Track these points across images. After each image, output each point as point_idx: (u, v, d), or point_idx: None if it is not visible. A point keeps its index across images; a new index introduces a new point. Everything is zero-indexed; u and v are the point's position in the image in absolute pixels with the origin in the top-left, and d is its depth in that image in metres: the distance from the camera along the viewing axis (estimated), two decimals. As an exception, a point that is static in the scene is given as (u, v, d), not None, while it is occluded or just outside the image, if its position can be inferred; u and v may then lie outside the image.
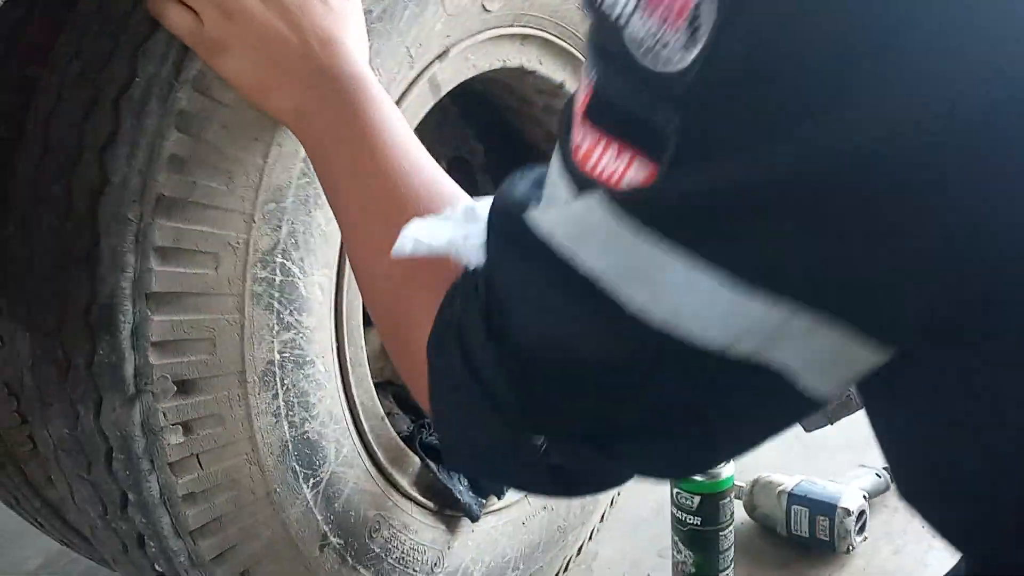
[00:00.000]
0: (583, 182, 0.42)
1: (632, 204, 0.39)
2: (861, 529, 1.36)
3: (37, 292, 0.74)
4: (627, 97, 0.39)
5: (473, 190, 1.17)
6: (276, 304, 0.78)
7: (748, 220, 0.38)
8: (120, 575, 0.94)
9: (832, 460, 1.66)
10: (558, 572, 1.28)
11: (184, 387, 0.74)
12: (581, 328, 0.42)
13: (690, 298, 0.39)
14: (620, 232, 0.39)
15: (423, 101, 0.91)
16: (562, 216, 0.43)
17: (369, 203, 0.61)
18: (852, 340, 0.39)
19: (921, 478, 0.52)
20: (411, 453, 1.02)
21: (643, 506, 1.55)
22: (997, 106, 0.34)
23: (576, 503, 1.27)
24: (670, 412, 0.44)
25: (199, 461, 0.76)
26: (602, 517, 1.39)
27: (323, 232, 0.82)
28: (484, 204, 0.51)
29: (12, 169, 0.76)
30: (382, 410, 0.96)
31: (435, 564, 1.03)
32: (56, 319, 0.73)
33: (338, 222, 0.66)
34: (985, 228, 0.36)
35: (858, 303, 0.38)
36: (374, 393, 0.95)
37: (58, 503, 0.99)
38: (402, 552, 0.98)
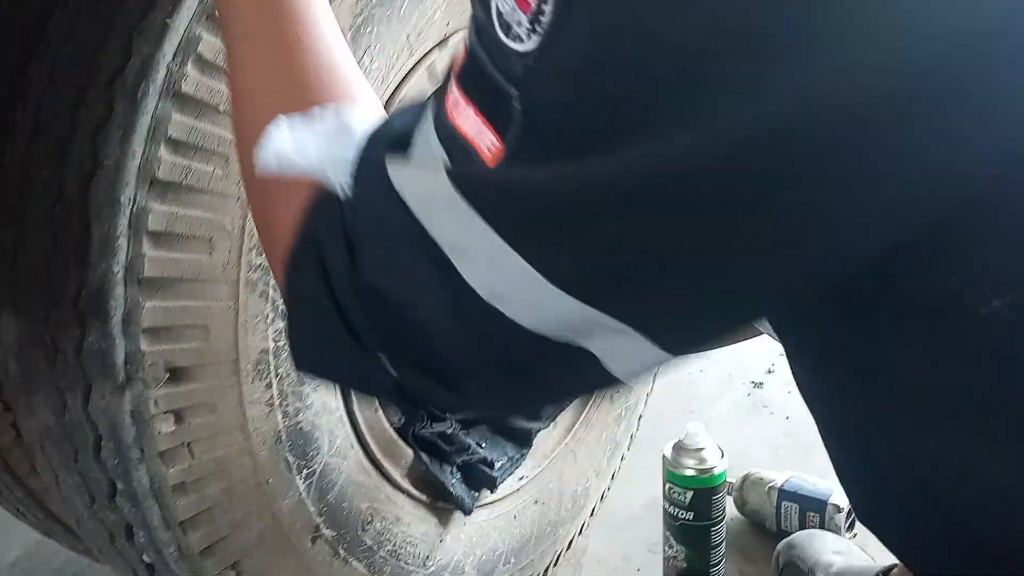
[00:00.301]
0: (450, 138, 0.43)
1: (470, 184, 0.41)
2: (851, 526, 1.36)
3: (26, 278, 0.72)
4: (488, 66, 0.40)
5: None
6: (271, 291, 0.77)
7: (564, 227, 0.39)
8: (107, 567, 0.92)
9: (823, 458, 1.65)
10: (548, 566, 1.28)
11: (176, 375, 0.73)
12: (423, 283, 0.44)
13: (511, 285, 0.41)
14: (458, 208, 0.41)
15: (421, 89, 0.90)
16: (417, 176, 0.44)
17: (271, 71, 0.55)
18: (650, 345, 0.41)
19: (872, 496, 0.55)
20: (403, 445, 1.01)
21: (634, 502, 1.55)
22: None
23: (568, 498, 1.27)
24: (499, 367, 0.46)
25: (190, 450, 0.75)
26: (592, 511, 1.38)
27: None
28: (361, 119, 0.50)
29: (1, 155, 0.75)
30: (375, 401, 0.95)
31: (427, 557, 1.02)
32: (45, 305, 0.71)
33: (231, 81, 0.59)
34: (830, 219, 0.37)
35: (656, 317, 0.41)
36: (367, 384, 0.94)
37: (41, 493, 0.97)
38: (394, 545, 0.97)
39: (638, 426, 1.49)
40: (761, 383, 1.90)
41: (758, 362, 1.93)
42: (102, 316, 0.69)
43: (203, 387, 0.74)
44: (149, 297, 0.70)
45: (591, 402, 1.31)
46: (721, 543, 1.25)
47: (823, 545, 1.25)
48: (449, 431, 1.11)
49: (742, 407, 1.89)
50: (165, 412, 0.73)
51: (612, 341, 0.41)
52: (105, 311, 0.69)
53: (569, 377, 0.46)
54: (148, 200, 0.69)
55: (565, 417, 1.27)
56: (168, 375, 0.72)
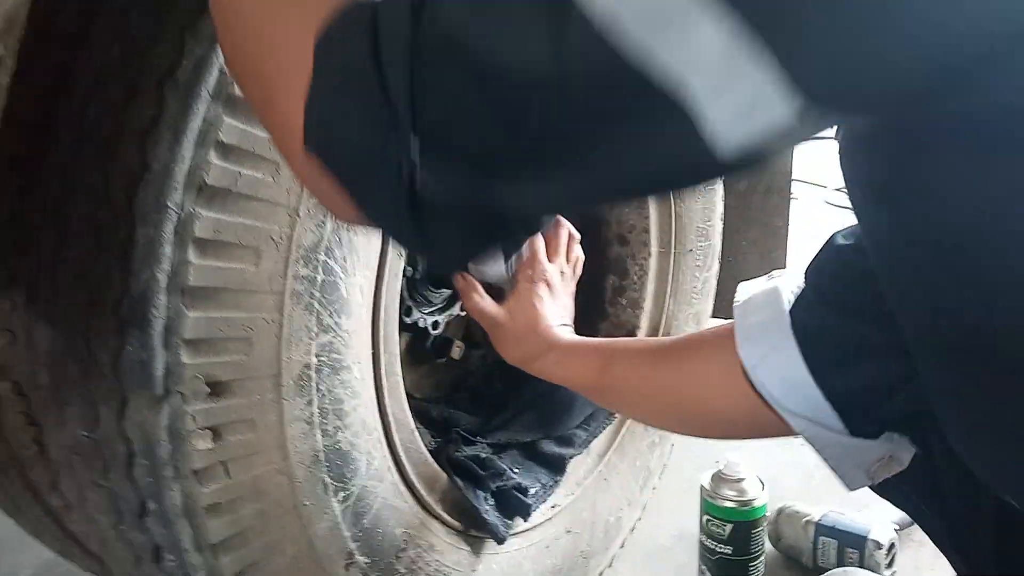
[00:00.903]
0: None
1: None
2: (891, 563, 1.32)
3: (64, 283, 0.69)
4: None
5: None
6: (316, 305, 0.74)
7: None
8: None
9: (858, 491, 1.61)
10: (578, 599, 1.23)
11: (216, 389, 0.69)
12: (517, 23, 0.38)
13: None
14: None
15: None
16: None
17: None
18: (781, 91, 0.34)
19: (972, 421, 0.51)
20: (438, 469, 0.97)
21: (662, 533, 1.50)
22: None
23: (600, 528, 1.23)
24: (563, 141, 0.40)
25: (226, 469, 0.71)
26: (622, 544, 1.34)
27: (368, 232, 0.78)
28: None
29: (42, 157, 0.72)
30: (412, 422, 0.92)
31: (460, 587, 0.98)
32: (83, 312, 0.68)
33: None
34: None
35: (808, 46, 0.34)
36: (406, 404, 0.90)
37: (61, 511, 0.93)
38: (426, 574, 0.93)
39: (670, 453, 1.45)
40: (791, 413, 1.85)
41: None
42: (143, 325, 0.66)
43: (243, 403, 0.71)
44: (192, 307, 0.67)
45: (624, 428, 1.27)
46: (759, 578, 1.21)
47: (862, 584, 1.20)
48: (483, 455, 1.07)
49: (770, 438, 1.84)
50: (203, 428, 0.69)
51: (731, 78, 0.35)
52: (146, 320, 0.66)
53: (646, 150, 0.40)
54: (196, 206, 0.66)
55: (598, 443, 1.23)
56: (208, 389, 0.69)
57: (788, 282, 0.71)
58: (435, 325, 1.14)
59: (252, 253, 0.69)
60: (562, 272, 1.07)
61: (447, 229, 0.45)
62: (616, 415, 1.24)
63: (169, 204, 0.65)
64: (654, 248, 1.29)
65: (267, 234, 0.69)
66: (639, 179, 0.42)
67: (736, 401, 0.73)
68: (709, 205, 1.33)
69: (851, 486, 0.72)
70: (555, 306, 1.04)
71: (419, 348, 1.25)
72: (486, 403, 1.29)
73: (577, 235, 1.11)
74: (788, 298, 0.69)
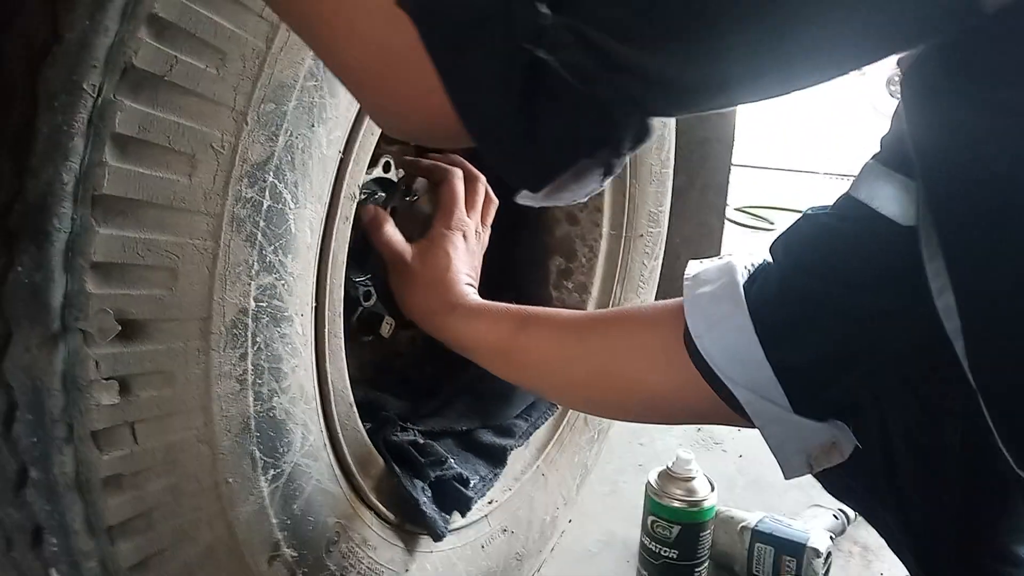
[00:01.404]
0: None
1: None
2: (827, 573, 1.27)
3: (-68, 181, 0.53)
4: None
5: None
6: (260, 236, 0.60)
7: None
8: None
9: (780, 497, 1.58)
10: (507, 606, 1.12)
11: (128, 330, 0.55)
12: None
13: None
14: None
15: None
16: None
17: None
18: None
19: None
20: (374, 452, 0.85)
21: (587, 538, 1.41)
22: None
23: (536, 528, 1.12)
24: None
25: (133, 432, 0.57)
26: (552, 548, 1.24)
27: (322, 156, 0.65)
28: None
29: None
30: (351, 396, 0.79)
31: (392, 588, 0.85)
32: (-44, 221, 0.53)
33: None
34: None
35: None
36: (346, 373, 0.78)
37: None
38: (359, 572, 0.80)
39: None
40: (712, 419, 1.80)
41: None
42: (38, 240, 0.51)
43: (161, 350, 0.57)
44: (104, 222, 0.53)
45: (564, 420, 1.17)
46: (702, 586, 1.13)
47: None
48: (421, 441, 0.95)
49: (693, 443, 1.79)
50: (108, 378, 0.55)
51: None
52: (44, 234, 0.51)
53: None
54: (118, 93, 0.52)
55: (538, 436, 1.13)
56: (119, 329, 0.54)
57: (743, 258, 0.68)
58: (367, 296, 1.01)
59: (186, 161, 0.55)
60: (476, 232, 1.00)
61: (559, 120, 0.39)
62: (556, 407, 1.15)
63: (84, 86, 0.51)
64: (605, 229, 1.20)
65: (206, 139, 0.56)
66: (847, 38, 0.37)
67: (671, 375, 0.69)
68: (661, 190, 1.26)
69: (790, 473, 0.68)
70: (467, 261, 0.96)
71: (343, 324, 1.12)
72: (415, 388, 1.17)
73: (494, 198, 1.04)
74: (742, 271, 0.66)
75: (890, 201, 0.60)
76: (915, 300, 0.55)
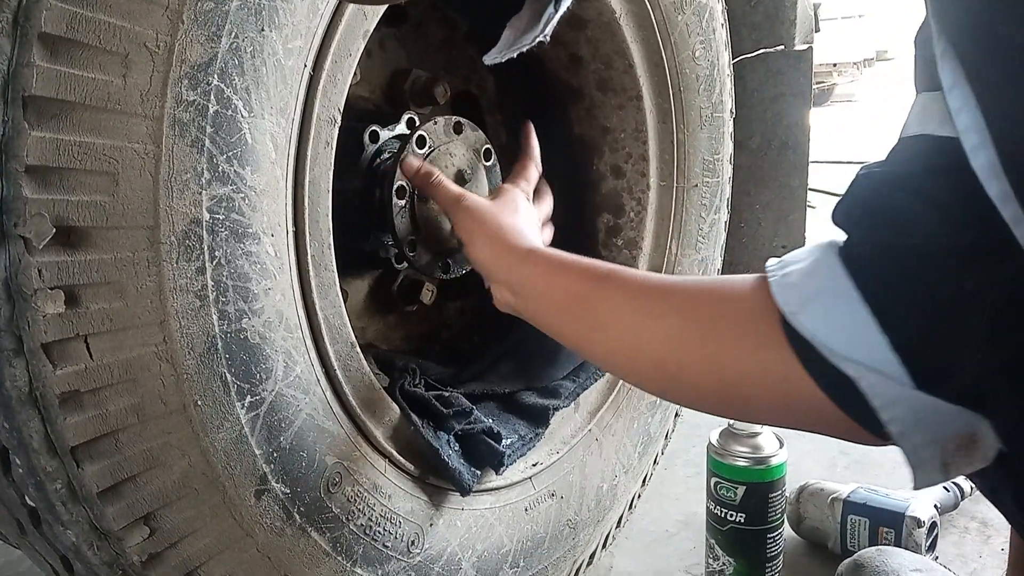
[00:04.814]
0: None
1: None
2: (932, 546, 1.13)
3: None
4: None
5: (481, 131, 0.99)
6: (207, 142, 0.58)
7: None
8: None
9: (887, 475, 1.43)
10: (565, 580, 1.05)
11: (70, 238, 0.54)
12: None
13: None
14: None
15: None
16: None
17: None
18: None
19: None
20: (389, 400, 0.81)
21: (667, 517, 1.33)
22: None
23: (591, 496, 1.05)
24: None
25: (87, 347, 0.56)
26: (619, 521, 1.16)
27: (280, 66, 0.63)
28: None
29: None
30: (353, 336, 0.76)
31: (412, 542, 0.80)
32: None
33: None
34: None
35: None
36: (344, 312, 0.74)
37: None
38: (369, 519, 0.76)
39: (675, 425, 1.27)
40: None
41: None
42: (-32, 142, 0.51)
43: (107, 259, 0.55)
44: (37, 124, 0.52)
45: (619, 383, 1.10)
46: (778, 555, 1.02)
47: (900, 563, 1.02)
48: (446, 393, 0.91)
49: (790, 423, 1.66)
50: (52, 288, 0.54)
51: None
52: (-28, 135, 0.51)
53: None
54: (41, -9, 0.51)
55: (589, 399, 1.07)
56: (58, 234, 0.53)
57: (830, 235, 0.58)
58: (399, 259, 0.98)
59: (118, 61, 0.54)
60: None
61: None
62: (610, 368, 1.07)
63: (5, -17, 0.51)
64: (653, 180, 1.13)
65: (139, 39, 0.55)
66: None
67: (759, 355, 0.58)
68: (716, 136, 1.18)
69: (921, 475, 0.54)
70: (535, 219, 0.90)
71: (385, 293, 1.10)
72: (460, 355, 1.13)
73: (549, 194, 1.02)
74: (832, 248, 0.56)
75: (942, 120, 0.51)
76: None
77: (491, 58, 0.76)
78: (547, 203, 1.00)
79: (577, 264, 0.76)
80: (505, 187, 0.92)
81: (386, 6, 0.80)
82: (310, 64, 0.66)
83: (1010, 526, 0.65)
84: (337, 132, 0.71)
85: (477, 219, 0.85)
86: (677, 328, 0.65)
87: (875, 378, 0.51)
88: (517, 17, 0.76)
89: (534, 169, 0.98)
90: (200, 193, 0.58)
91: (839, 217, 0.56)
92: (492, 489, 0.91)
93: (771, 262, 0.60)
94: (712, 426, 1.07)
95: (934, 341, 0.52)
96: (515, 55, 0.77)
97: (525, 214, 0.89)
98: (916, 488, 0.56)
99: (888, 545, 1.10)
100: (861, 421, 0.53)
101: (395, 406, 0.81)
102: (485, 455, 0.88)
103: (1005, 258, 0.49)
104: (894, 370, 0.51)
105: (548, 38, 0.75)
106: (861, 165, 0.57)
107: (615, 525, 1.14)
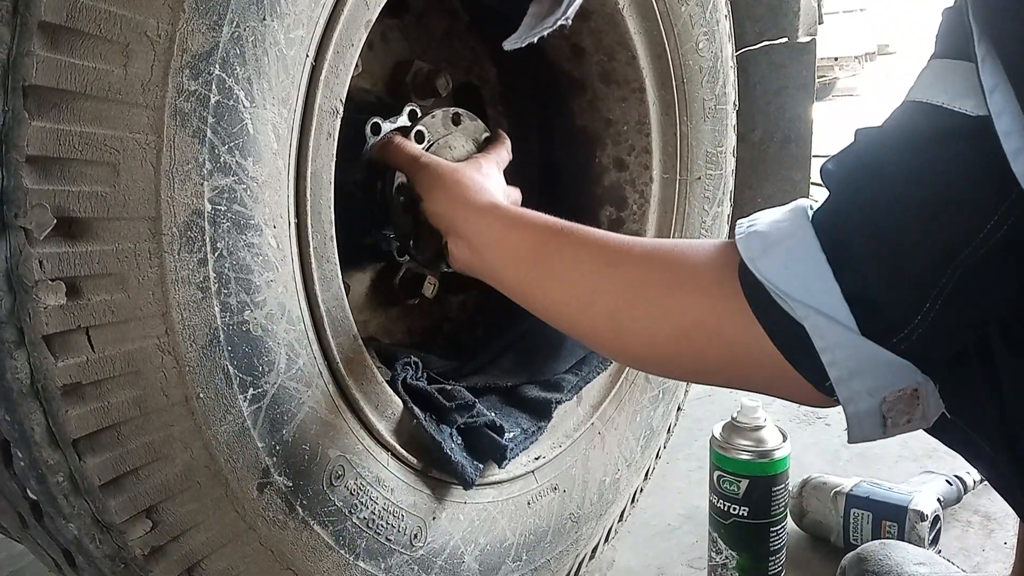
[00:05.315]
0: None
1: None
2: (935, 540, 1.13)
3: None
4: None
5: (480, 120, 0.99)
6: (209, 132, 0.58)
7: None
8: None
9: (890, 469, 1.43)
10: (568, 574, 1.05)
11: (71, 229, 0.54)
12: None
13: None
14: None
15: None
16: None
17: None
18: None
19: None
20: (392, 393, 0.81)
21: (669, 511, 1.32)
22: None
23: (593, 489, 1.05)
24: None
25: (89, 338, 0.55)
26: (622, 515, 1.16)
27: (282, 56, 0.62)
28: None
29: None
30: (356, 329, 0.76)
31: (415, 535, 0.80)
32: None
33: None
34: None
35: None
36: (346, 304, 0.74)
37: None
38: (372, 512, 0.75)
39: (677, 419, 1.27)
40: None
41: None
42: (-32, 132, 0.51)
43: (108, 250, 0.55)
44: (37, 114, 0.51)
45: (622, 377, 1.10)
46: (781, 549, 1.02)
47: (903, 557, 1.01)
48: (448, 387, 0.91)
49: (793, 416, 1.66)
50: (54, 279, 0.53)
51: None
52: (-28, 125, 0.51)
53: None
54: (41, -21, 0.51)
55: (592, 392, 1.06)
56: (59, 225, 0.53)
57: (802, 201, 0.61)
58: (400, 251, 0.97)
59: (119, 50, 0.54)
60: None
61: None
62: (610, 361, 1.07)
63: (5, -30, 0.50)
64: (656, 173, 1.13)
65: (139, 27, 0.54)
66: None
67: (716, 302, 0.60)
68: (720, 128, 1.17)
69: (856, 431, 0.56)
70: (503, 185, 0.93)
71: (387, 286, 1.09)
72: (463, 349, 1.12)
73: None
74: (804, 205, 0.59)
75: (956, 93, 0.51)
76: (1001, 195, 0.47)
77: (512, 43, 0.76)
78: (515, 191, 0.99)
79: (539, 218, 0.78)
80: (475, 155, 0.93)
81: None
82: (312, 54, 0.66)
83: (1019, 519, 0.65)
84: (339, 123, 0.70)
85: (435, 174, 0.85)
86: (638, 278, 0.67)
87: (821, 320, 0.53)
88: (537, 2, 0.76)
89: (505, 152, 0.98)
90: (202, 184, 0.58)
91: (826, 168, 0.58)
92: (495, 483, 0.91)
93: (742, 220, 0.62)
94: (715, 420, 1.07)
95: (886, 291, 0.53)
96: (535, 40, 0.77)
97: (489, 176, 0.89)
98: (851, 441, 0.58)
99: (891, 539, 1.10)
100: (804, 368, 0.55)
101: (398, 399, 0.81)
102: (488, 449, 0.88)
103: (991, 220, 0.50)
104: (842, 315, 0.53)
105: (570, 21, 0.75)
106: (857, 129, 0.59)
107: (617, 519, 1.14)
